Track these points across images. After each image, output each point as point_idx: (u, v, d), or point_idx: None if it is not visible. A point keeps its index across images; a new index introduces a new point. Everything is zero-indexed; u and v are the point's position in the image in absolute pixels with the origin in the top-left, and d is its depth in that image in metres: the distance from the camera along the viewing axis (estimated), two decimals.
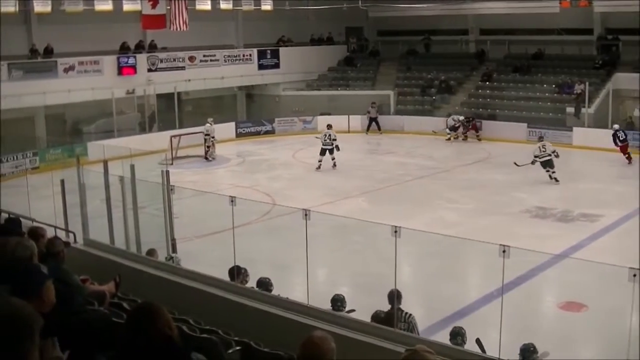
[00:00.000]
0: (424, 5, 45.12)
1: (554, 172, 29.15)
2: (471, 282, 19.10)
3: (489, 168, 32.45)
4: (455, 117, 40.52)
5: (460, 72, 45.85)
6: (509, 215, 24.01)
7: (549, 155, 29.22)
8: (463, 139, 39.94)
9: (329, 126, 34.25)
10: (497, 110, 41.17)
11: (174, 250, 16.01)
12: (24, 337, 2.88)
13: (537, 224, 23.12)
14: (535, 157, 29.43)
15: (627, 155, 32.36)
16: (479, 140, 39.39)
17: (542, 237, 20.96)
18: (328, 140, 32.96)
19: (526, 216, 24.01)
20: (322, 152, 32.86)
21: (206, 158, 35.54)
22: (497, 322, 9.72)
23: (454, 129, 40.26)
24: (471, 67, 46.08)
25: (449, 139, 40.30)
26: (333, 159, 32.80)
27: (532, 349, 10.77)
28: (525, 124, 37.58)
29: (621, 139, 32.58)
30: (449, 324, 13.08)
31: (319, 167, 32.72)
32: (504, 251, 8.63)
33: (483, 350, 10.31)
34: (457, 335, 11.23)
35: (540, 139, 30.82)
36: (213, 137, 35.77)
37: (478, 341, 10.88)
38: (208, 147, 35.65)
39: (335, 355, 4.87)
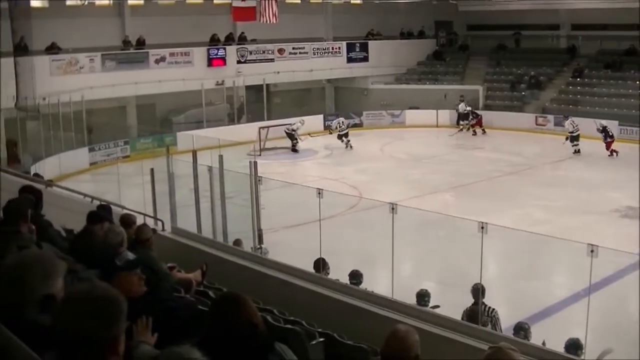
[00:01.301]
0: (515, 0, 44.60)
1: (577, 144, 33.99)
2: (557, 281, 18.83)
3: (579, 165, 31.93)
4: (462, 105, 41.07)
5: (551, 67, 45.09)
6: (598, 214, 23.58)
7: (579, 130, 34.23)
8: (473, 134, 40.14)
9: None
10: (588, 107, 40.39)
11: (260, 240, 16.09)
12: (113, 320, 2.95)
13: (627, 224, 22.65)
14: (570, 132, 33.85)
15: (612, 150, 33.34)
16: (483, 132, 40.28)
17: (632, 237, 20.51)
18: (344, 126, 36.55)
19: (616, 216, 23.56)
20: (340, 137, 36.58)
21: (295, 150, 35.76)
22: (583, 323, 9.60)
23: (464, 117, 40.69)
24: (562, 63, 45.24)
25: (461, 129, 40.66)
26: (348, 141, 36.18)
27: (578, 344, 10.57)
28: (617, 122, 36.75)
29: (610, 134, 33.63)
30: (533, 323, 12.94)
31: (351, 147, 36.26)
32: (592, 251, 8.49)
33: None
34: (520, 329, 11.12)
35: (566, 117, 35.24)
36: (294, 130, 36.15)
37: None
38: (296, 140, 35.85)
39: (419, 349, 4.86)
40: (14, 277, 3.68)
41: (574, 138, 34.06)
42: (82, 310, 2.90)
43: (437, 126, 41.57)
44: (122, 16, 38.74)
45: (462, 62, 48.11)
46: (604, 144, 33.37)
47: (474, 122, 39.99)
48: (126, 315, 3.02)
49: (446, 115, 42.31)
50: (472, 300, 11.45)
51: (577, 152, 33.95)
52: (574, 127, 34.29)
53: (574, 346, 10.51)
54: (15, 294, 3.65)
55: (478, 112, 40.72)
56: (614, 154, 32.97)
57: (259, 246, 15.54)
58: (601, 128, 33.63)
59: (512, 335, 10.65)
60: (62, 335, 2.90)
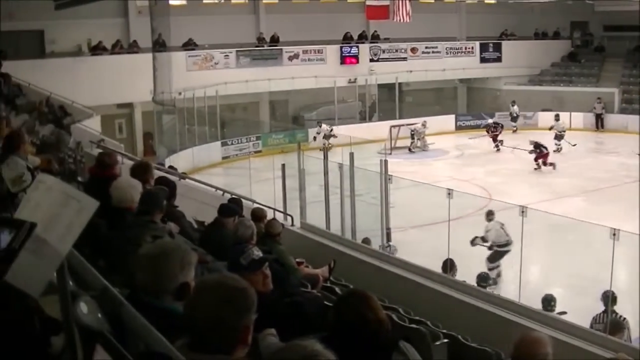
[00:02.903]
0: None
1: (559, 144, 35.13)
2: None
3: None
4: (516, 108, 40.81)
5: None
6: None
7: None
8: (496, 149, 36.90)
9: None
10: None
11: (389, 239, 16.12)
12: (244, 310, 3.03)
13: None
14: (560, 132, 35.47)
15: (542, 163, 31.93)
16: (497, 149, 36.59)
17: None
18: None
19: None
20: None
21: (410, 150, 35.67)
22: None
23: (515, 119, 40.40)
24: None
25: (515, 130, 40.07)
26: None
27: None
28: None
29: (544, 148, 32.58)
30: None
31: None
32: None
33: None
34: None
35: (557, 118, 36.64)
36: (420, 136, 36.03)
37: None
38: (413, 140, 35.78)
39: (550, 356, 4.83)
40: (155, 265, 3.84)
41: (560, 137, 35.34)
42: (215, 299, 3.01)
43: (570, 129, 40.70)
44: (257, 13, 39.45)
45: (597, 64, 46.92)
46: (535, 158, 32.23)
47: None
48: (256, 306, 3.10)
49: (580, 118, 41.41)
50: (602, 308, 11.23)
51: (559, 150, 34.76)
52: (563, 127, 35.81)
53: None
54: (154, 281, 3.81)
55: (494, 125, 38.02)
56: (552, 166, 31.66)
57: (387, 244, 15.57)
58: (532, 147, 32.40)
59: None
60: (195, 322, 3.00)
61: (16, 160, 8.14)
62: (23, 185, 7.68)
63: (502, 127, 37.51)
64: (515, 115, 40.62)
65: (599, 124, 41.32)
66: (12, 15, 30.67)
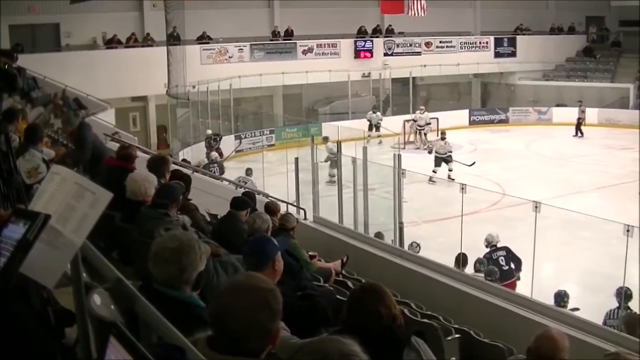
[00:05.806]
0: None
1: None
2: None
3: None
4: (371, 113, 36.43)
5: None
6: None
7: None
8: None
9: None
10: None
11: (401, 234, 16.09)
12: (278, 312, 3.04)
13: None
14: (443, 154, 28.91)
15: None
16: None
17: None
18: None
19: None
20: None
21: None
22: None
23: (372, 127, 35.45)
24: None
25: (370, 136, 33.22)
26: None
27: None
28: None
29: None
30: None
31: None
32: None
33: None
34: None
35: (444, 135, 30.22)
36: (419, 126, 35.35)
37: None
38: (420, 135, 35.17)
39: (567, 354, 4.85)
40: (180, 258, 4.00)
41: (446, 160, 28.92)
42: (252, 303, 2.99)
43: (584, 125, 40.55)
44: (272, 7, 39.52)
45: (613, 60, 46.61)
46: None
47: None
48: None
49: (594, 114, 41.15)
50: (615, 305, 11.21)
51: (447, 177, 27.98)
52: (448, 148, 29.12)
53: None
54: (180, 273, 3.98)
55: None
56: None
57: (416, 243, 15.57)
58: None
59: None
60: (228, 325, 2.96)
61: (33, 153, 8.28)
62: (38, 177, 7.77)
63: (220, 138, 30.60)
64: (376, 123, 36.25)
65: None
66: (33, 10, 30.92)
